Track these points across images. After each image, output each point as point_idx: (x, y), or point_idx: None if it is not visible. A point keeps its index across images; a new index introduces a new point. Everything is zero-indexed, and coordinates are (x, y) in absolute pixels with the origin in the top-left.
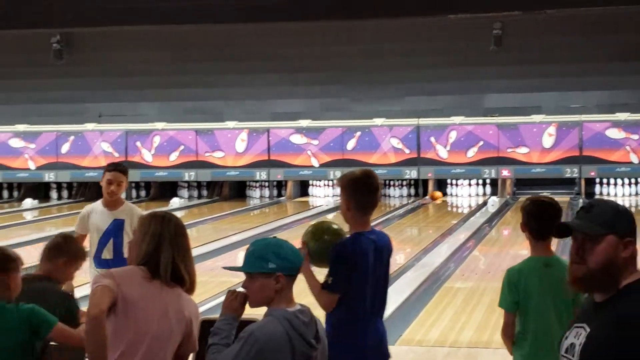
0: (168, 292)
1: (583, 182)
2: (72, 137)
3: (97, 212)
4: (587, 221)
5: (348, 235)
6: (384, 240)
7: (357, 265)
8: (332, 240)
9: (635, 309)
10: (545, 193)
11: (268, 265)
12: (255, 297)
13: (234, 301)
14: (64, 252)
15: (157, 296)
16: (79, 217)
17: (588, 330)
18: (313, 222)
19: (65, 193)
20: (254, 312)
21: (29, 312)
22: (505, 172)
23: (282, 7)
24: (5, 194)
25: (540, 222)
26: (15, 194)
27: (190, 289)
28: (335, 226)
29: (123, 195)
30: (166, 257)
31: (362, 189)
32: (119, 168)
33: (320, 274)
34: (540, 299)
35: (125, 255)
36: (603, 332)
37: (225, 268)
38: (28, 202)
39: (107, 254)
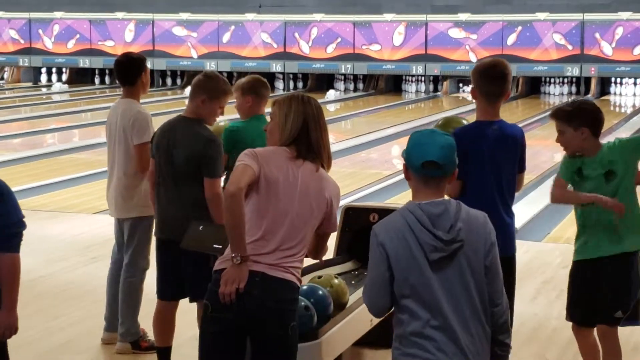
0: (310, 172)
1: None
2: (232, 27)
3: None
4: None
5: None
6: (511, 131)
7: (469, 152)
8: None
9: None
10: None
11: (403, 154)
12: None
13: None
14: (203, 90)
15: (299, 176)
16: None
17: None
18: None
19: None
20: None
21: None
22: None
23: None
24: (169, 81)
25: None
26: (178, 81)
27: (328, 167)
28: (464, 121)
29: (280, 86)
30: (315, 135)
31: (486, 77)
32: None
33: None
34: None
35: None
36: None
37: None
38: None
39: None
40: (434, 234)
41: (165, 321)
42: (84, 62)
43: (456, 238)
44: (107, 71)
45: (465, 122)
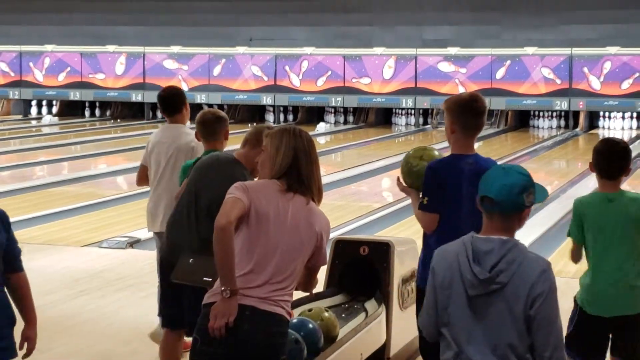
0: (301, 205)
1: None
2: (223, 60)
3: None
4: None
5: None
6: (486, 165)
7: (447, 186)
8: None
9: None
10: None
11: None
12: None
13: None
14: (259, 143)
15: (290, 210)
16: None
17: None
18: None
19: None
20: None
21: None
22: None
23: None
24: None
25: (604, 162)
26: None
27: (319, 200)
28: (436, 152)
29: (271, 118)
30: (305, 169)
31: (467, 112)
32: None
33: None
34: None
35: None
36: None
37: None
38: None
39: None
40: (472, 270)
41: (169, 351)
42: (75, 95)
43: (494, 279)
44: (97, 104)
45: (436, 152)
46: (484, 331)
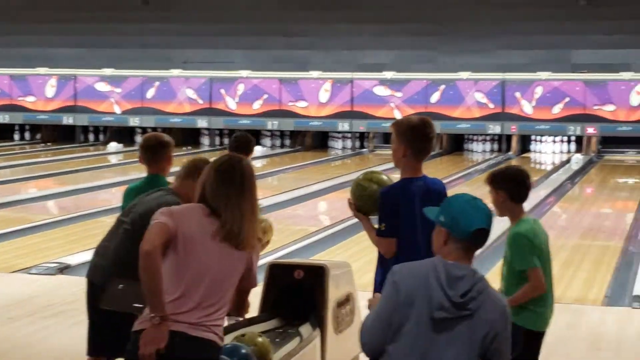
0: None
1: None
2: (157, 83)
3: None
4: None
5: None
6: (435, 186)
7: (401, 209)
8: (379, 187)
9: None
10: (631, 152)
11: (440, 217)
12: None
13: None
14: (194, 176)
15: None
16: None
17: None
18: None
19: None
20: None
21: None
22: (590, 130)
23: None
24: (91, 137)
25: (521, 187)
26: (101, 137)
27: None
28: (384, 176)
29: (206, 142)
30: (209, 192)
31: (419, 136)
32: None
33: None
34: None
35: None
36: None
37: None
38: (113, 146)
39: None
40: (445, 293)
41: None
42: (4, 118)
43: (466, 305)
44: (27, 127)
45: (384, 177)
46: (439, 355)
